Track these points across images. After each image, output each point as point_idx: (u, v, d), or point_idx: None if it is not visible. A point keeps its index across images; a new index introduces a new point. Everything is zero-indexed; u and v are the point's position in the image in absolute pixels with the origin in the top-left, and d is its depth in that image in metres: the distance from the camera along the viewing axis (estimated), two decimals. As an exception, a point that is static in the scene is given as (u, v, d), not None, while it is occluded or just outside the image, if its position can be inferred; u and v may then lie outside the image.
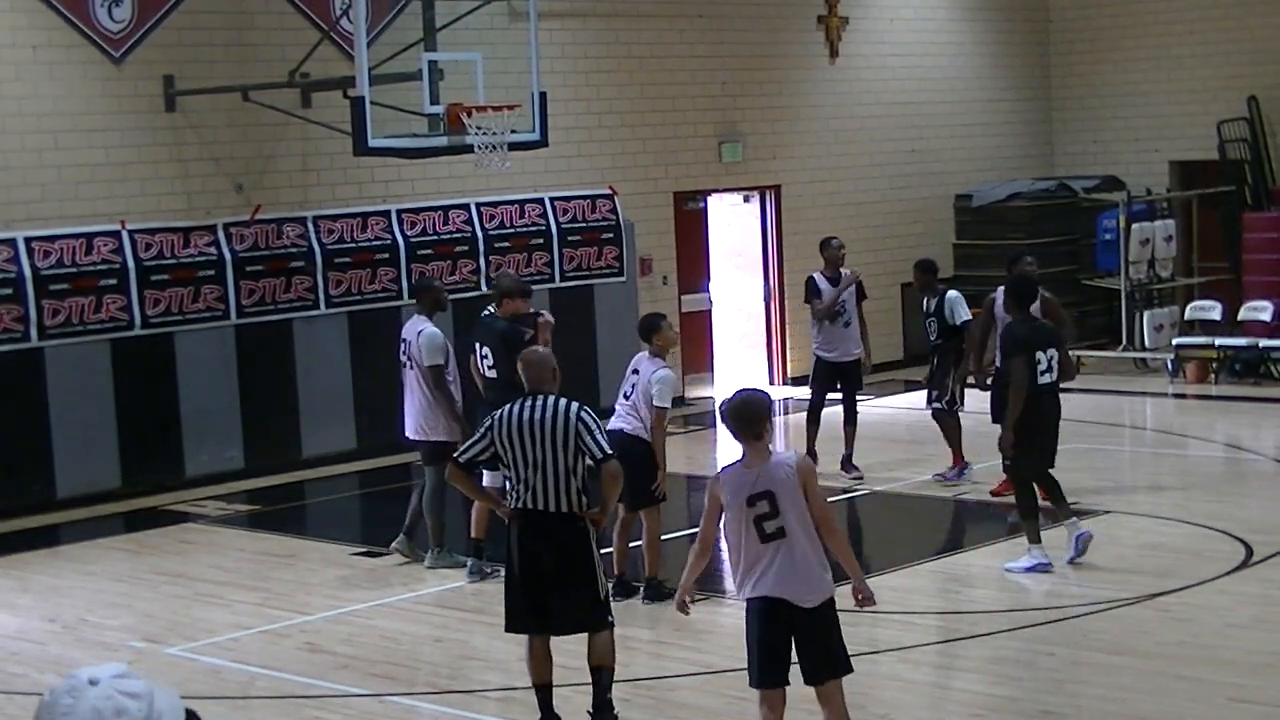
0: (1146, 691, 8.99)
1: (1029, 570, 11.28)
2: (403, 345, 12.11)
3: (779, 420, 19.11)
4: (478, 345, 11.88)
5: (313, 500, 15.39)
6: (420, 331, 11.90)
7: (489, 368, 11.74)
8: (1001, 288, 13.24)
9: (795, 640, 7.27)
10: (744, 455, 7.30)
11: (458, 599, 11.32)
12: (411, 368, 11.95)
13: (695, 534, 13.25)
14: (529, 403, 8.33)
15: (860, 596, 7.44)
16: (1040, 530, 11.39)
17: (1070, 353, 12.12)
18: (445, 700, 9.29)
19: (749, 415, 7.23)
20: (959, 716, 8.70)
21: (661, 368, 10.87)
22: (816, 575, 7.16)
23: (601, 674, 8.38)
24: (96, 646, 10.50)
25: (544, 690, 8.42)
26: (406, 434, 12.23)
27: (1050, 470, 11.63)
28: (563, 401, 8.32)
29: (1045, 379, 11.44)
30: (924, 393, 14.86)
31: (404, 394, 12.15)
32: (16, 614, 11.43)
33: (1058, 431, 11.76)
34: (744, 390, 7.52)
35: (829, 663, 7.28)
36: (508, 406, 8.39)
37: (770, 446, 7.31)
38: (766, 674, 7.36)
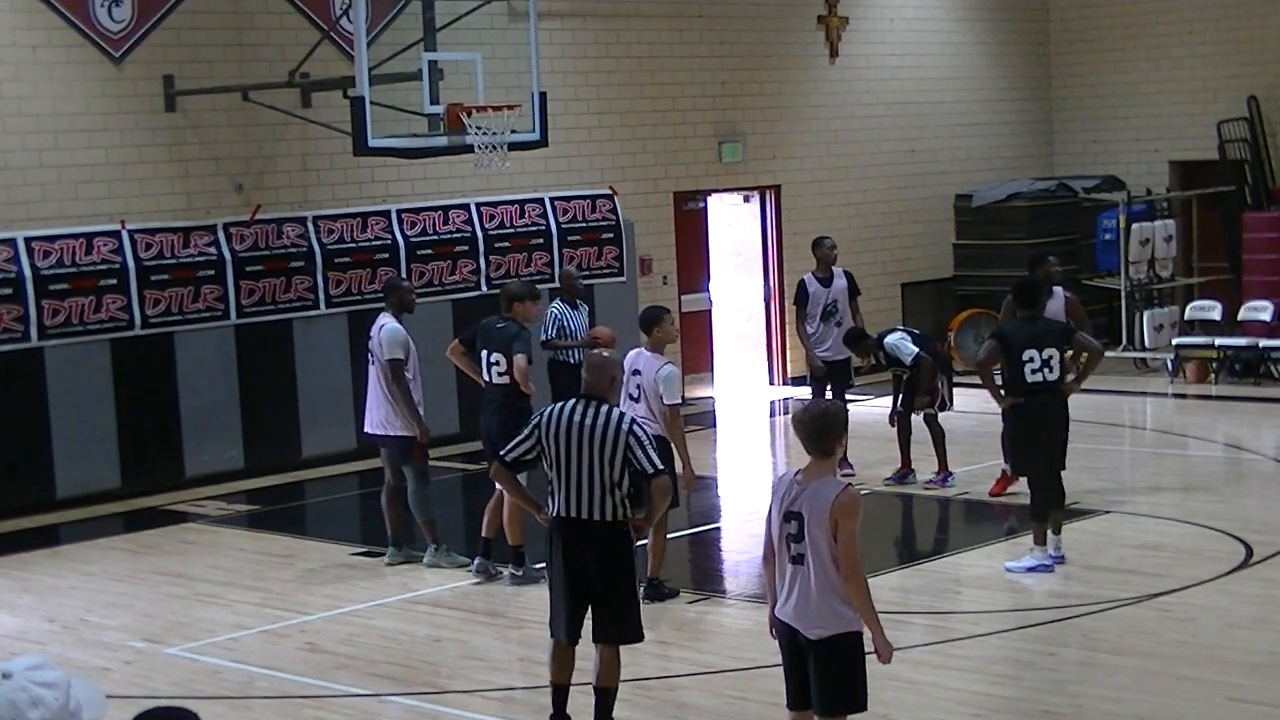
0: (1146, 691, 8.99)
1: (1030, 570, 11.26)
2: (368, 342, 12.19)
3: (777, 421, 19.11)
4: (485, 352, 11.77)
5: (313, 500, 15.39)
6: (382, 327, 11.96)
7: (499, 374, 11.66)
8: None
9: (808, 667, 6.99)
10: (806, 466, 6.95)
11: (458, 599, 11.32)
12: (374, 363, 12.00)
13: (694, 534, 13.36)
14: (581, 406, 8.11)
15: (878, 654, 6.98)
16: (1047, 532, 11.35)
17: (1086, 340, 11.87)
18: (445, 700, 9.29)
19: (820, 429, 6.86)
20: (959, 716, 8.70)
21: (664, 364, 10.87)
22: (827, 609, 6.82)
23: (607, 695, 8.25)
24: (96, 646, 10.50)
25: (561, 691, 8.33)
26: (366, 429, 12.31)
27: (1060, 474, 11.44)
28: (615, 412, 8.12)
29: (1036, 378, 11.26)
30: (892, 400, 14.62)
31: (366, 390, 12.24)
32: (16, 614, 11.43)
33: (1064, 431, 11.51)
34: (821, 401, 7.21)
35: (829, 698, 6.94)
36: (558, 405, 8.20)
37: (835, 467, 6.99)
38: (789, 695, 7.13)
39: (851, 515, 6.77)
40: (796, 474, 6.96)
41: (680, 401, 10.95)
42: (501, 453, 8.36)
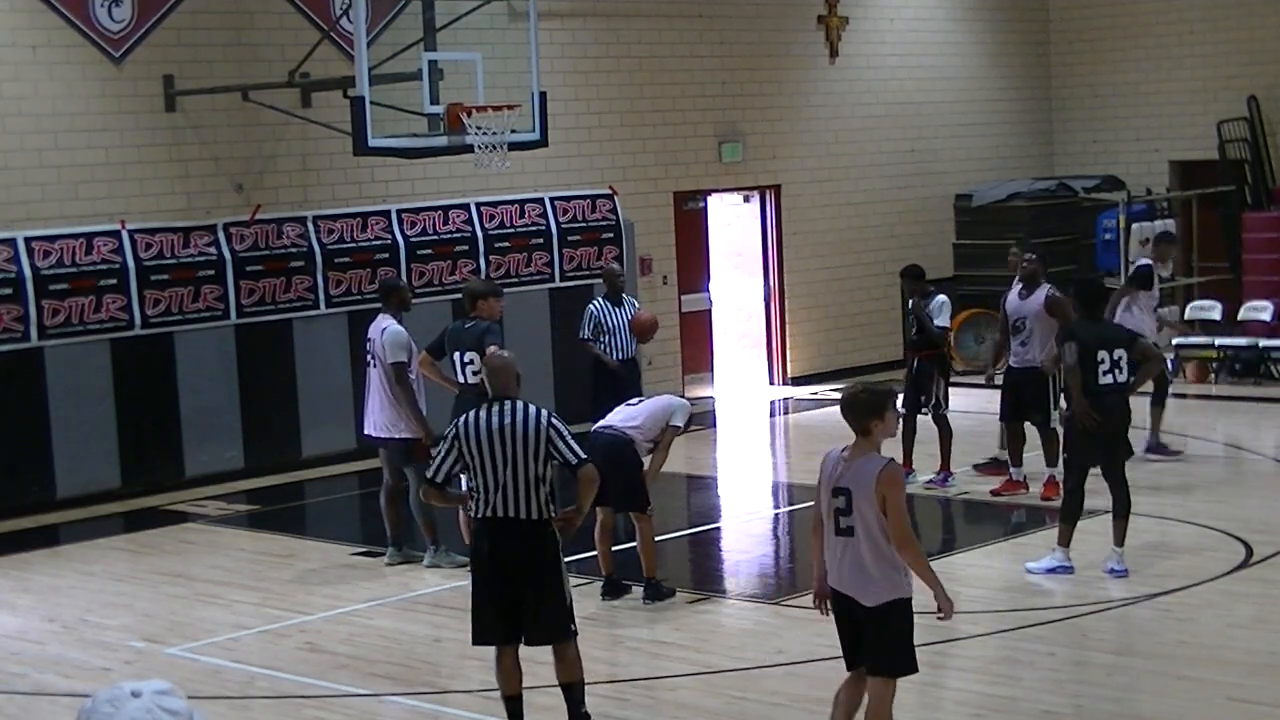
0: (1146, 691, 9.00)
1: (1050, 571, 11.18)
2: (367, 344, 12.14)
3: (777, 421, 19.11)
4: (458, 354, 11.73)
5: (313, 500, 15.40)
6: (384, 329, 11.91)
7: (474, 373, 11.60)
8: (1017, 285, 13.34)
9: (861, 633, 7.38)
10: (852, 444, 7.35)
11: (458, 599, 11.28)
12: (375, 365, 11.97)
13: (694, 535, 13.36)
14: (495, 409, 8.15)
15: (940, 610, 7.44)
16: (1072, 536, 11.21)
17: (1148, 346, 11.69)
18: (445, 700, 9.29)
19: (855, 408, 7.28)
20: (959, 716, 8.70)
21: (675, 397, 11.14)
22: (879, 577, 7.20)
23: (573, 689, 8.26)
24: (96, 646, 10.50)
25: (515, 702, 8.29)
26: (366, 431, 12.27)
27: (1124, 472, 11.23)
28: (531, 408, 8.16)
29: (1107, 379, 11.07)
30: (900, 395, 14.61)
31: (365, 392, 12.20)
32: (16, 614, 11.43)
33: (1124, 433, 11.27)
34: (862, 383, 7.61)
35: (881, 661, 7.35)
36: (471, 413, 8.21)
37: (876, 445, 7.29)
38: (846, 658, 7.51)
39: (896, 486, 7.20)
40: (843, 451, 7.34)
41: (682, 427, 11.11)
42: (429, 475, 8.33)
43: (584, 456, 8.17)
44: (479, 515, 8.15)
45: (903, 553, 7.21)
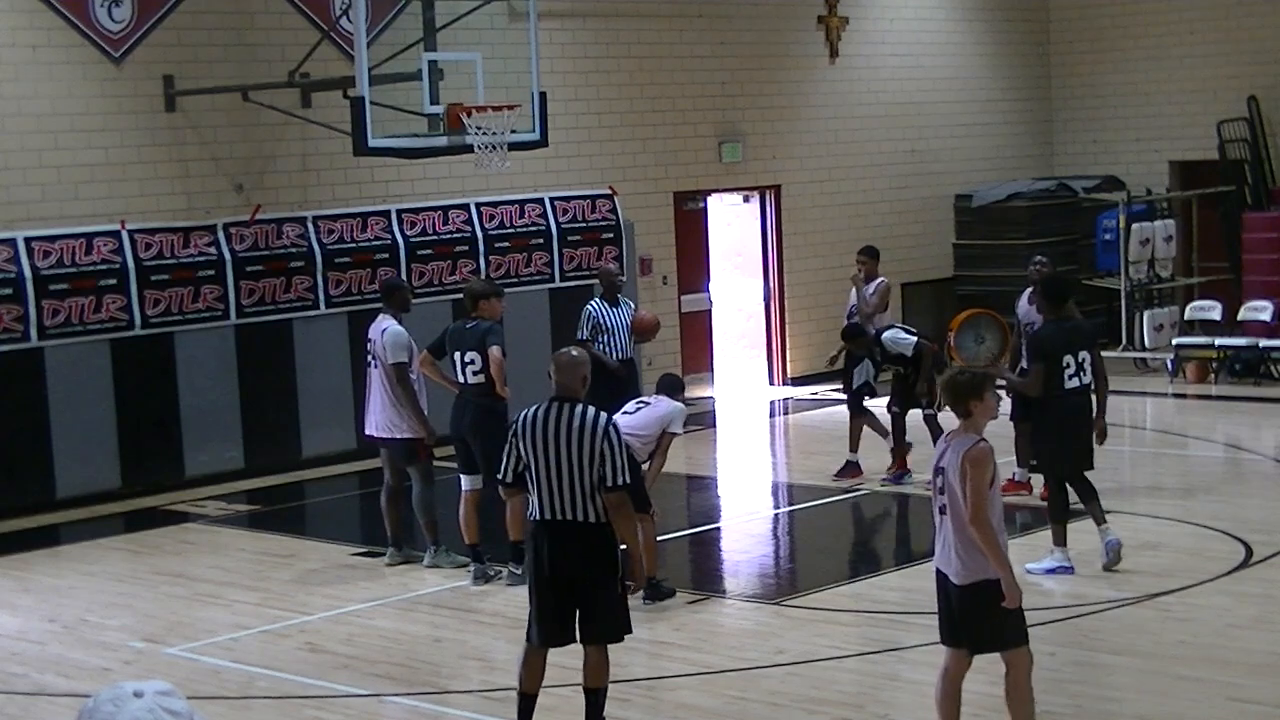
0: (1146, 691, 8.99)
1: (1050, 571, 11.19)
2: (367, 344, 12.13)
3: (777, 421, 19.10)
4: (459, 354, 11.71)
5: (313, 500, 15.39)
6: (385, 329, 11.89)
7: (474, 373, 11.62)
8: (1028, 289, 13.32)
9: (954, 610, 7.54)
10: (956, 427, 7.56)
11: (458, 599, 11.31)
12: (375, 366, 11.96)
13: (694, 535, 13.35)
14: (555, 410, 7.99)
15: (1004, 596, 7.44)
16: (1066, 534, 11.24)
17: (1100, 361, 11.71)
18: (445, 700, 9.29)
19: (954, 390, 7.51)
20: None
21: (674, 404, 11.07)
22: (966, 557, 7.39)
23: (598, 695, 8.21)
24: (96, 646, 10.50)
25: (530, 700, 8.26)
26: (368, 431, 12.25)
27: (1088, 473, 11.32)
28: (590, 412, 7.98)
29: (1074, 382, 11.16)
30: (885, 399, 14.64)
31: (366, 393, 12.19)
32: (16, 614, 11.43)
33: (1088, 437, 11.37)
34: (958, 368, 7.88)
35: (975, 639, 7.54)
36: (531, 409, 8.07)
37: (976, 427, 7.47)
38: (940, 631, 7.70)
39: (978, 465, 7.35)
40: (948, 435, 7.63)
41: (680, 433, 11.14)
42: (498, 476, 8.28)
43: (618, 482, 7.92)
44: (536, 517, 8.06)
45: (972, 525, 7.31)
